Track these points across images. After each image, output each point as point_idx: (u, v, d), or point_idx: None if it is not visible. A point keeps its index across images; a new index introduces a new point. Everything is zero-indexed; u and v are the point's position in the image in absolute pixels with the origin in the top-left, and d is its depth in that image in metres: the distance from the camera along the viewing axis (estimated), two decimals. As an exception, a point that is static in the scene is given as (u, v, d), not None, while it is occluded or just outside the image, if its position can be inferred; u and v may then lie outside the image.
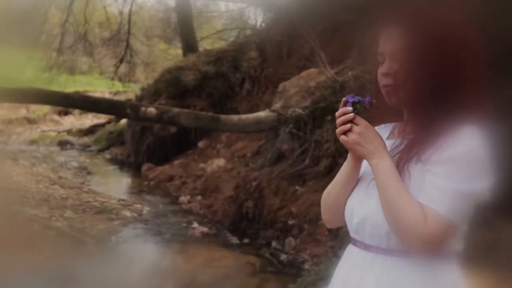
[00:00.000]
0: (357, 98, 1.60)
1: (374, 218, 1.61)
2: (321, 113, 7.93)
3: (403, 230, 1.51)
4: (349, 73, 8.04)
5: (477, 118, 1.55)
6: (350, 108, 1.59)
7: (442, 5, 1.65)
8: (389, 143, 1.66)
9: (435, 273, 1.58)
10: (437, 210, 1.49)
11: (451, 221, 1.49)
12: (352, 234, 1.72)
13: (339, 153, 7.09)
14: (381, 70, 1.62)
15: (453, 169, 1.50)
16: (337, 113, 1.62)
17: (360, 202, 1.68)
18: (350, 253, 1.71)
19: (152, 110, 8.39)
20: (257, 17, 17.90)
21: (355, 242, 1.69)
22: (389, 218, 1.54)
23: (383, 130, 1.76)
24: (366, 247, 1.65)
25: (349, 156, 1.71)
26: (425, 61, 1.54)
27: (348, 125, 1.60)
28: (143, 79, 21.63)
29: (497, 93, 5.85)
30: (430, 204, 1.49)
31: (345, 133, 1.61)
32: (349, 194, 1.74)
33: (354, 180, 1.74)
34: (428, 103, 1.56)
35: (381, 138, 1.62)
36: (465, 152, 1.50)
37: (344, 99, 1.62)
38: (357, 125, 1.59)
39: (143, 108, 8.45)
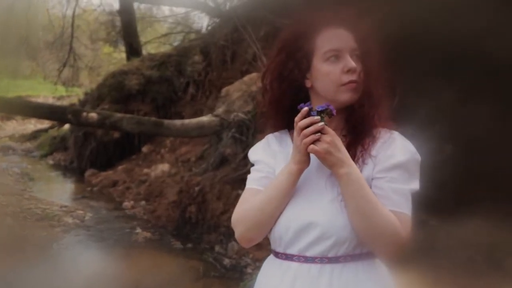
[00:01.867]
0: (322, 106, 1.56)
1: (325, 229, 1.61)
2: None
3: (383, 241, 1.57)
4: (291, 77, 8.09)
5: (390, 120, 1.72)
6: (317, 117, 1.55)
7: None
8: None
9: (379, 271, 1.68)
10: (405, 212, 1.60)
11: (411, 217, 1.62)
12: (286, 249, 1.68)
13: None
14: (350, 65, 1.63)
15: (404, 173, 1.62)
16: (302, 123, 1.57)
17: (304, 214, 1.65)
18: (288, 269, 1.67)
19: (93, 115, 8.29)
20: (202, 21, 17.87)
21: (291, 257, 1.66)
22: (365, 228, 1.56)
23: (279, 137, 1.82)
24: (308, 259, 1.63)
25: (292, 169, 1.64)
26: (371, 64, 1.66)
27: (318, 135, 1.56)
28: (88, 83, 21.32)
29: (435, 96, 6.00)
30: (398, 209, 1.58)
31: (313, 142, 1.57)
32: (283, 209, 1.69)
33: (291, 194, 1.68)
34: (370, 100, 1.66)
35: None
36: (411, 156, 1.64)
37: (306, 108, 1.57)
38: (324, 134, 1.55)
39: (84, 114, 8.35)
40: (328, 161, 1.57)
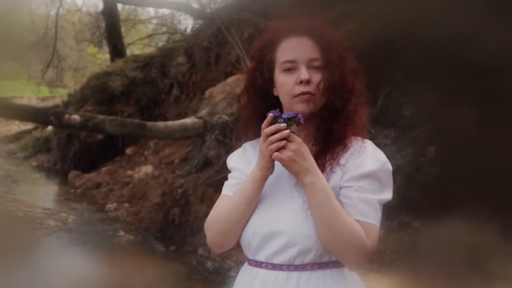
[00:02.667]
0: (290, 114, 1.55)
1: (290, 237, 1.61)
2: (246, 120, 7.96)
3: (347, 250, 1.57)
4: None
5: (365, 128, 1.72)
6: (284, 125, 1.54)
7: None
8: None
9: (348, 279, 1.67)
10: (372, 223, 1.59)
11: (378, 228, 1.61)
12: (254, 256, 1.69)
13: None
14: (302, 76, 1.62)
15: (374, 182, 1.60)
16: (268, 130, 1.56)
17: (269, 222, 1.65)
18: (256, 275, 1.68)
19: (76, 117, 8.25)
20: (186, 23, 17.81)
21: (260, 264, 1.67)
22: (329, 239, 1.56)
23: (255, 145, 1.81)
24: (275, 267, 1.64)
25: (256, 175, 1.64)
26: (338, 73, 1.64)
27: (284, 142, 1.55)
28: (72, 84, 21.19)
29: (418, 98, 6.02)
30: (365, 219, 1.58)
31: (278, 150, 1.56)
32: (250, 215, 1.69)
33: (257, 201, 1.68)
34: (338, 109, 1.65)
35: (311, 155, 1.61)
36: (381, 166, 1.62)
37: (271, 115, 1.56)
38: (291, 141, 1.54)
39: (66, 116, 8.30)
40: (292, 169, 1.57)
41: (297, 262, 1.61)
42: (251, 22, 9.45)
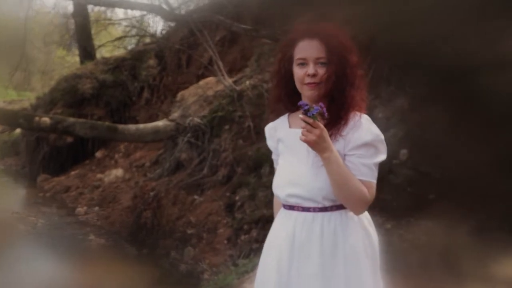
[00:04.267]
0: (317, 109, 2.00)
1: (312, 189, 2.16)
2: (219, 122, 7.97)
3: (354, 202, 2.13)
4: (247, 82, 8.15)
5: (364, 106, 2.22)
6: (310, 119, 2.00)
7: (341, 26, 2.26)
8: (294, 132, 2.22)
9: (360, 217, 2.21)
10: (371, 180, 2.14)
11: (375, 183, 2.16)
12: (288, 201, 2.23)
13: (237, 162, 7.15)
14: (309, 71, 2.14)
15: (370, 150, 2.15)
16: (300, 117, 2.03)
17: (291, 178, 2.22)
18: (290, 216, 2.22)
19: (46, 120, 8.16)
20: (157, 25, 17.69)
21: (293, 207, 2.23)
22: (341, 195, 2.11)
23: (281, 121, 2.38)
24: (304, 209, 2.19)
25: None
26: (339, 67, 2.15)
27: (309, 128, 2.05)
28: (40, 87, 20.92)
29: (390, 101, 6.06)
30: (365, 178, 2.13)
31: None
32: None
33: None
34: (340, 94, 2.17)
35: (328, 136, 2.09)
36: (375, 137, 2.15)
37: (302, 106, 2.01)
38: (315, 128, 2.01)
39: (36, 118, 8.21)
40: (315, 148, 2.07)
41: (320, 206, 2.17)
42: (223, 25, 9.46)
